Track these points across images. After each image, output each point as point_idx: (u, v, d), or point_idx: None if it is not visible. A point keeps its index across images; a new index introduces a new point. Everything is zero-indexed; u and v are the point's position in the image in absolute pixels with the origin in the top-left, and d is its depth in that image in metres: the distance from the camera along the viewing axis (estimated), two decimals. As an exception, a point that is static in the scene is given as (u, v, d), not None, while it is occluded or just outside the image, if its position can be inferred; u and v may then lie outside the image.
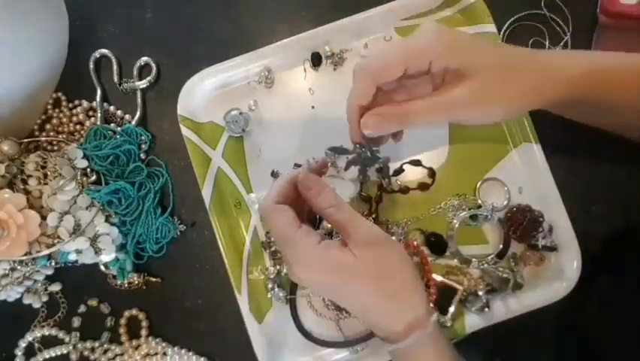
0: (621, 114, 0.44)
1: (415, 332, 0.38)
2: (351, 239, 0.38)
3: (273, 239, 0.53)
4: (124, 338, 0.55)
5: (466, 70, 0.38)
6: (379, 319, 0.40)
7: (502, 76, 0.39)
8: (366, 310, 0.40)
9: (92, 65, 0.57)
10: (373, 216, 0.52)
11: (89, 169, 0.53)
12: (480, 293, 0.51)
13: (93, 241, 0.51)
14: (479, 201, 0.53)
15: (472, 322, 0.51)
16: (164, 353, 0.54)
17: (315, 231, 0.39)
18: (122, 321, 0.55)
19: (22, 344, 0.55)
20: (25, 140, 0.54)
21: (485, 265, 0.52)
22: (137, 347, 0.55)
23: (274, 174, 0.54)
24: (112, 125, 0.56)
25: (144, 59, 0.56)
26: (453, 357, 0.41)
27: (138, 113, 0.56)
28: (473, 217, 0.53)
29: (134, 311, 0.55)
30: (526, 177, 0.53)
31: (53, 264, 0.52)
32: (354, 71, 0.40)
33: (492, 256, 0.52)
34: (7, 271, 0.51)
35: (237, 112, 0.53)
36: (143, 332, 0.55)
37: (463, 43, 0.39)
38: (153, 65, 0.56)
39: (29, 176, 0.52)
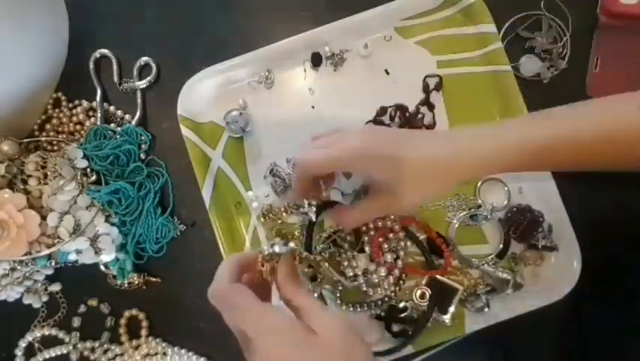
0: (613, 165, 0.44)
1: None
2: (314, 319, 0.36)
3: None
4: (124, 338, 0.55)
5: (391, 185, 0.41)
6: None
7: (422, 182, 0.42)
8: None
9: (92, 65, 0.57)
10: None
11: (89, 169, 0.53)
12: (480, 293, 0.51)
13: (93, 241, 0.51)
14: (479, 201, 0.53)
15: (472, 322, 0.51)
16: (164, 353, 0.54)
17: (274, 308, 0.37)
18: (122, 321, 0.55)
19: (22, 344, 0.55)
20: (25, 140, 0.54)
21: (485, 265, 0.52)
22: (137, 347, 0.55)
23: (272, 172, 0.53)
24: (112, 125, 0.56)
25: (144, 59, 0.56)
26: None
27: (138, 113, 0.56)
28: (473, 217, 0.53)
29: (134, 311, 0.55)
30: (526, 177, 0.53)
31: (53, 264, 0.52)
32: (297, 167, 0.47)
33: (492, 256, 0.52)
34: (7, 271, 0.51)
35: (237, 112, 0.53)
36: (143, 332, 0.55)
37: (384, 165, 0.41)
38: (153, 65, 0.56)
39: (29, 176, 0.52)
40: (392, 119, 0.54)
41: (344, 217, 0.47)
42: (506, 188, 0.53)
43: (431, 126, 0.54)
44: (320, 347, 0.34)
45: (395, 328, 0.51)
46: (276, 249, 0.38)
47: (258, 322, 0.35)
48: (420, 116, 0.54)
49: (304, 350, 0.34)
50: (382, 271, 0.49)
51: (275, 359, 0.35)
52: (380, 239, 0.50)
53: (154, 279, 0.55)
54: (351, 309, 0.51)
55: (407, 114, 0.53)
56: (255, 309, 0.36)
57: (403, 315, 0.51)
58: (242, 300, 0.36)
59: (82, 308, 0.56)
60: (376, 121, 0.54)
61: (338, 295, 0.51)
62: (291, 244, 0.39)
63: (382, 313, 0.52)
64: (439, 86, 0.54)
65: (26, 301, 0.55)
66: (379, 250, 0.50)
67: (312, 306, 0.37)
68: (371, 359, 0.37)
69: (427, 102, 0.54)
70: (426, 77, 0.54)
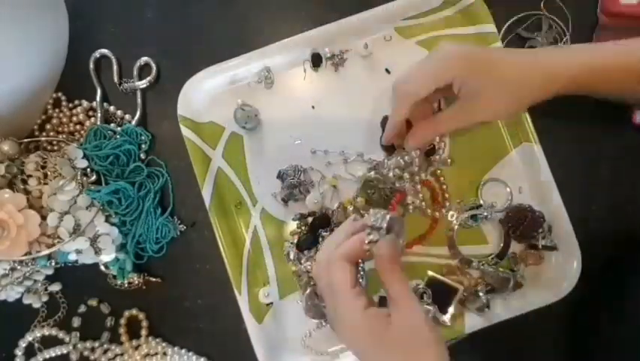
0: (620, 95, 0.49)
1: None
2: (397, 314, 0.39)
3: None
4: (124, 338, 0.55)
5: (483, 87, 0.45)
6: None
7: (513, 86, 0.45)
8: None
9: (92, 65, 0.57)
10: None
11: (89, 169, 0.53)
12: (480, 293, 0.51)
13: (93, 241, 0.51)
14: (481, 201, 0.53)
15: (472, 322, 0.51)
16: (164, 353, 0.54)
17: (364, 293, 0.40)
18: (122, 321, 0.55)
19: (22, 344, 0.55)
20: (25, 140, 0.54)
21: (485, 265, 0.52)
22: (137, 347, 0.55)
23: (281, 176, 0.53)
24: (112, 125, 0.56)
25: (144, 59, 0.56)
26: None
27: (138, 113, 0.56)
28: (473, 217, 0.53)
29: (134, 311, 0.55)
30: (526, 177, 0.53)
31: (53, 264, 0.52)
32: (394, 93, 0.47)
33: (492, 256, 0.52)
34: (7, 271, 0.51)
35: (249, 108, 0.53)
36: (143, 332, 0.55)
37: (480, 66, 0.45)
38: (153, 65, 0.56)
39: (29, 176, 0.52)
40: None
41: (419, 131, 0.48)
42: (508, 189, 0.53)
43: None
44: (393, 346, 0.38)
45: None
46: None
47: (339, 307, 0.40)
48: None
49: (377, 345, 0.38)
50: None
51: (345, 341, 0.41)
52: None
53: (154, 279, 0.55)
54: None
55: None
56: (341, 295, 0.39)
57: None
58: (337, 279, 0.40)
59: (82, 308, 0.56)
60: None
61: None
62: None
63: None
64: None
65: (26, 301, 0.55)
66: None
67: (404, 294, 0.39)
68: (441, 354, 0.39)
69: None
70: None
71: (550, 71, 0.45)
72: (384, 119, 0.54)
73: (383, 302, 0.50)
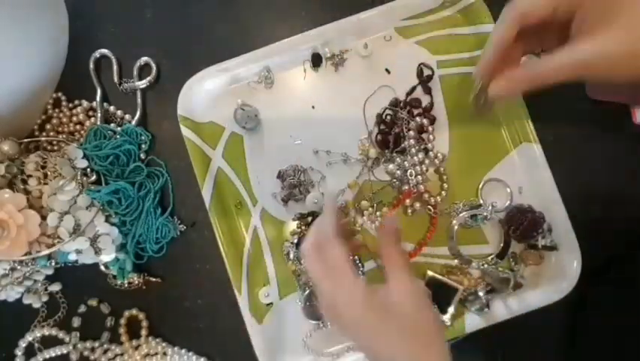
0: None
1: None
2: (395, 281, 0.39)
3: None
4: (124, 338, 0.55)
5: (611, 14, 0.34)
6: None
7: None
8: (394, 356, 0.39)
9: (92, 65, 0.57)
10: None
11: (89, 169, 0.53)
12: (480, 293, 0.51)
13: (93, 241, 0.51)
14: (481, 202, 0.53)
15: (472, 322, 0.51)
16: (164, 353, 0.54)
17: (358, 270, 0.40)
18: (122, 321, 0.55)
19: (22, 344, 0.55)
20: (25, 140, 0.54)
21: (485, 265, 0.52)
22: (137, 347, 0.55)
23: (281, 176, 0.54)
24: (112, 125, 0.56)
25: (144, 59, 0.56)
26: None
27: (138, 113, 0.56)
28: (473, 217, 0.53)
29: (134, 311, 0.55)
30: (526, 177, 0.53)
31: (53, 264, 0.52)
32: (505, 8, 0.39)
33: (492, 256, 0.52)
34: (7, 271, 0.51)
35: (249, 108, 0.53)
36: (143, 332, 0.55)
37: None
38: (153, 65, 0.56)
39: (29, 176, 0.52)
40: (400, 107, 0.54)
41: (512, 75, 0.40)
42: (509, 189, 0.53)
43: (428, 109, 0.54)
44: (394, 312, 0.38)
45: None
46: None
47: (336, 285, 0.38)
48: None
49: (378, 313, 0.37)
50: None
51: (347, 320, 0.38)
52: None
53: (154, 279, 0.55)
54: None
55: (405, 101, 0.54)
56: (338, 272, 0.38)
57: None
58: (332, 258, 0.39)
59: (82, 308, 0.56)
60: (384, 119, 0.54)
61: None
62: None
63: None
64: (429, 78, 0.54)
65: (26, 301, 0.55)
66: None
67: (400, 265, 0.39)
68: (440, 326, 0.40)
69: (424, 86, 0.54)
70: (421, 64, 0.54)
71: None
72: (379, 117, 0.54)
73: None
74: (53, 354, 0.55)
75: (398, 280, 0.39)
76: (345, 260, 0.39)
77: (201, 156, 0.54)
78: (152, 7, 0.58)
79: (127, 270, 0.54)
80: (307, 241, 0.41)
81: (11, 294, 0.54)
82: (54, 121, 0.56)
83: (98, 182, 0.54)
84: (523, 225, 0.51)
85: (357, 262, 0.50)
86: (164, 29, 0.57)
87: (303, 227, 0.53)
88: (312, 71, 0.55)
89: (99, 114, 0.56)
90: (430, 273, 0.52)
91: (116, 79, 0.56)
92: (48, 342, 0.55)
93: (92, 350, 0.55)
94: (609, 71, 0.35)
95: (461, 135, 0.54)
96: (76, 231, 0.51)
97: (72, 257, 0.51)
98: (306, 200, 0.53)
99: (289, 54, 0.54)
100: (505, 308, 0.51)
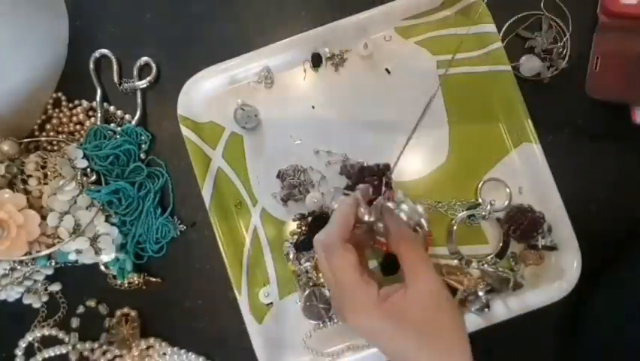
0: None
1: None
2: (414, 282, 0.38)
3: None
4: (123, 337, 0.54)
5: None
6: None
7: None
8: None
9: (92, 65, 0.57)
10: None
11: (89, 169, 0.53)
12: (480, 293, 0.51)
13: (93, 241, 0.51)
14: (480, 201, 0.53)
15: (472, 322, 0.51)
16: (164, 353, 0.54)
17: (373, 277, 0.39)
18: (115, 320, 0.55)
19: (22, 344, 0.55)
20: (25, 140, 0.54)
21: (485, 265, 0.52)
22: (136, 347, 0.55)
23: (281, 176, 0.54)
24: (112, 125, 0.56)
25: (144, 59, 0.56)
26: None
27: (138, 113, 0.56)
28: (471, 216, 0.53)
29: (126, 309, 0.55)
30: (526, 177, 0.53)
31: (53, 264, 0.52)
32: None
33: (492, 256, 0.52)
34: (7, 271, 0.51)
35: (249, 108, 0.53)
36: (137, 332, 0.54)
37: None
38: (153, 65, 0.56)
39: (29, 176, 0.52)
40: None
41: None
42: (508, 189, 0.53)
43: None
44: (411, 316, 0.37)
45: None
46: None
47: (349, 298, 0.38)
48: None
49: (393, 319, 0.37)
50: None
51: (361, 327, 0.38)
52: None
53: (154, 279, 0.55)
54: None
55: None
56: (349, 286, 0.38)
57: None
58: (339, 270, 0.38)
59: (80, 309, 0.56)
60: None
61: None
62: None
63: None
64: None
65: (26, 301, 0.55)
66: None
67: (420, 262, 0.38)
68: (462, 327, 0.39)
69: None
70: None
71: None
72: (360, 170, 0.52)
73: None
74: (53, 354, 0.55)
75: (418, 280, 0.38)
76: (349, 272, 0.38)
77: (201, 156, 0.54)
78: (152, 7, 0.58)
79: (127, 270, 0.54)
80: (317, 240, 0.40)
81: (11, 294, 0.54)
82: (54, 121, 0.56)
83: (98, 182, 0.54)
84: (523, 225, 0.51)
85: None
86: (164, 29, 0.57)
87: (303, 227, 0.53)
88: (312, 71, 0.55)
89: (99, 114, 0.56)
90: (430, 273, 0.52)
91: (116, 79, 0.56)
92: (48, 342, 0.55)
93: (92, 350, 0.55)
94: None
95: (461, 135, 0.54)
96: (76, 231, 0.51)
97: (72, 257, 0.51)
98: (306, 200, 0.53)
99: (289, 54, 0.54)
100: (505, 308, 0.51)
